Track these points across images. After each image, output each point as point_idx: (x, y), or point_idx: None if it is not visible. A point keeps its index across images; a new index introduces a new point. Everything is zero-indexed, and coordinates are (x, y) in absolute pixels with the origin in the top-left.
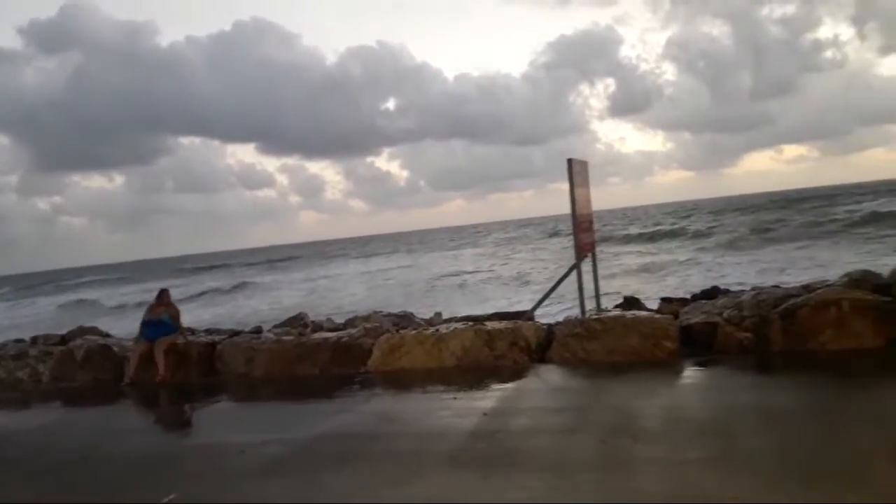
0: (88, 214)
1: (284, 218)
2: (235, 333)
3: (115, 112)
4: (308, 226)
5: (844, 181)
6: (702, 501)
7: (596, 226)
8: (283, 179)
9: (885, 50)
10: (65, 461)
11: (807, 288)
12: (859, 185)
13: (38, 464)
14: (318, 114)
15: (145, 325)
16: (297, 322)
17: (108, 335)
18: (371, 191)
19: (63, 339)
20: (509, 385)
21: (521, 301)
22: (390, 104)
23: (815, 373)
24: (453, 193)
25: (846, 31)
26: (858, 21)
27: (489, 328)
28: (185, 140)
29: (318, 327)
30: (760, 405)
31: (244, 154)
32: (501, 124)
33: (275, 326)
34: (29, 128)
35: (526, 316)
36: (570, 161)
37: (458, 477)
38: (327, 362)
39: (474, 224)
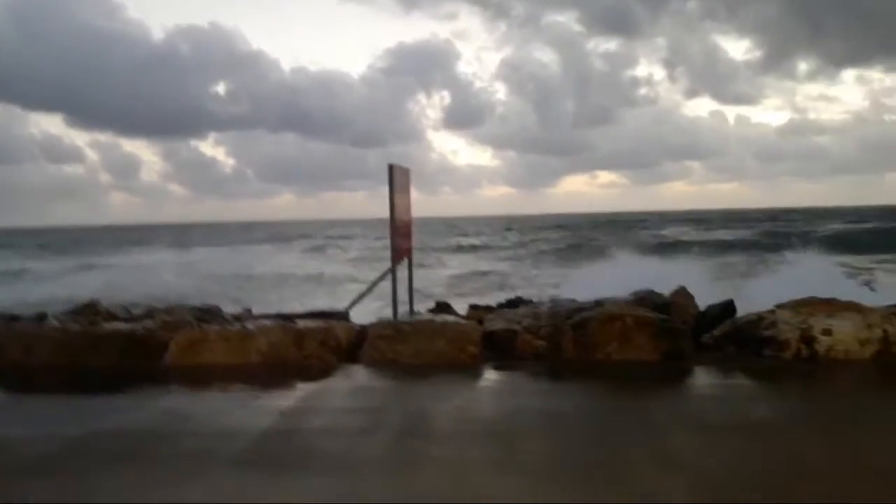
0: None
1: (93, 197)
2: (14, 318)
3: None
4: (119, 208)
5: (650, 208)
6: (471, 501)
7: (419, 233)
8: (93, 155)
9: (690, 93)
10: None
11: (598, 303)
12: (662, 213)
13: None
14: (139, 90)
15: None
16: (89, 310)
17: None
18: (193, 176)
19: None
20: (313, 385)
21: (343, 300)
22: (220, 88)
23: (598, 381)
24: (283, 187)
25: (659, 72)
26: (669, 64)
27: (299, 326)
28: None
29: (111, 317)
30: (545, 409)
31: (49, 124)
32: (337, 122)
33: (62, 313)
34: None
35: (340, 315)
36: (391, 167)
37: (243, 477)
38: (119, 355)
39: (304, 220)
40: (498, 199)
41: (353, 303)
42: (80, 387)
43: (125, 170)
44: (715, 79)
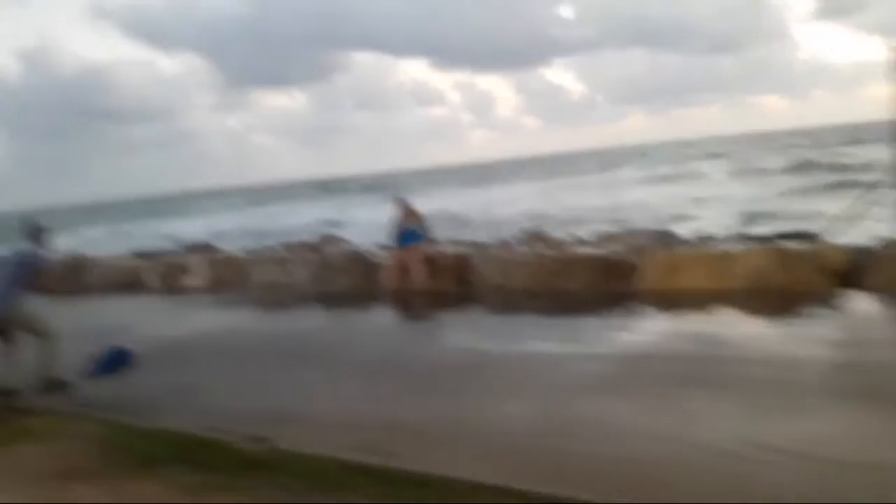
0: (274, 132)
1: (456, 137)
2: (479, 246)
3: (296, 28)
4: (479, 145)
5: None
6: None
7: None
8: (454, 96)
9: None
10: (374, 361)
11: None
12: None
13: (348, 361)
14: (489, 24)
15: (399, 234)
16: (538, 238)
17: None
18: (543, 106)
19: (313, 247)
20: (826, 312)
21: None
22: (565, 10)
23: None
24: (632, 108)
25: None
26: None
27: (784, 249)
28: (359, 55)
29: (562, 244)
30: None
31: (417, 70)
32: (687, 30)
33: (514, 239)
34: (219, 48)
35: (822, 237)
36: None
37: (863, 413)
38: (591, 279)
39: (654, 142)
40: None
41: (845, 221)
42: (563, 308)
43: (482, 107)
44: None
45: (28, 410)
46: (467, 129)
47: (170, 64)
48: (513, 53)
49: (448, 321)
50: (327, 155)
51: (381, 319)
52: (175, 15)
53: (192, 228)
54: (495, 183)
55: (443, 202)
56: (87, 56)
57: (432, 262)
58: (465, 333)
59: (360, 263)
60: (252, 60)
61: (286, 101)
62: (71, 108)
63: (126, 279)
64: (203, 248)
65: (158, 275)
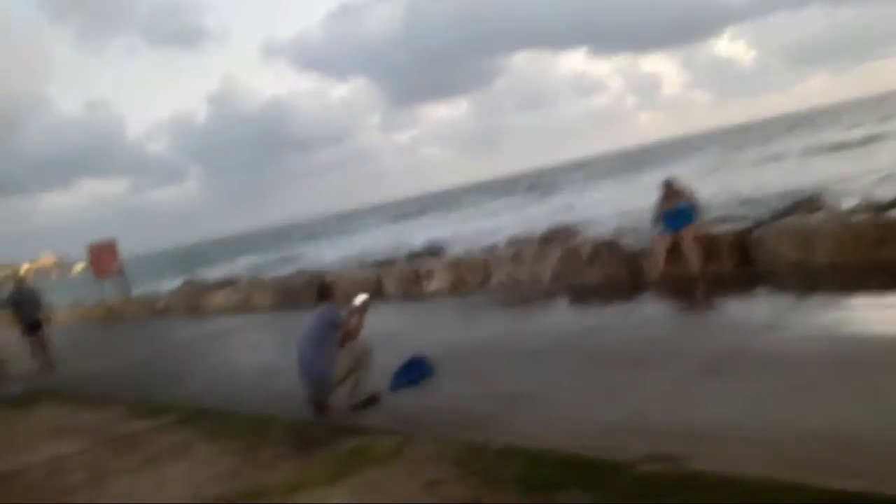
0: (440, 142)
1: (621, 121)
2: (757, 224)
3: (451, 38)
4: (647, 126)
5: None
6: None
7: None
8: (615, 81)
9: None
10: (714, 357)
11: None
12: None
13: (673, 358)
14: (648, 0)
15: (666, 216)
16: (810, 204)
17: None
18: (713, 79)
19: (546, 240)
20: None
21: None
22: None
23: None
24: (812, 69)
25: None
26: None
27: None
28: (517, 56)
29: (873, 206)
30: None
31: (574, 60)
32: None
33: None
34: (381, 68)
35: None
36: None
37: None
38: None
39: (843, 102)
40: None
41: None
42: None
43: (647, 88)
44: None
45: (350, 429)
46: (633, 113)
47: (339, 90)
48: (677, 29)
49: (756, 306)
50: (492, 158)
51: (666, 310)
52: (338, 43)
53: (407, 238)
54: (671, 163)
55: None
56: (266, 91)
57: (707, 243)
58: (801, 316)
59: (615, 252)
60: (414, 76)
61: (449, 111)
62: (257, 141)
63: (368, 289)
64: (433, 253)
65: (397, 281)
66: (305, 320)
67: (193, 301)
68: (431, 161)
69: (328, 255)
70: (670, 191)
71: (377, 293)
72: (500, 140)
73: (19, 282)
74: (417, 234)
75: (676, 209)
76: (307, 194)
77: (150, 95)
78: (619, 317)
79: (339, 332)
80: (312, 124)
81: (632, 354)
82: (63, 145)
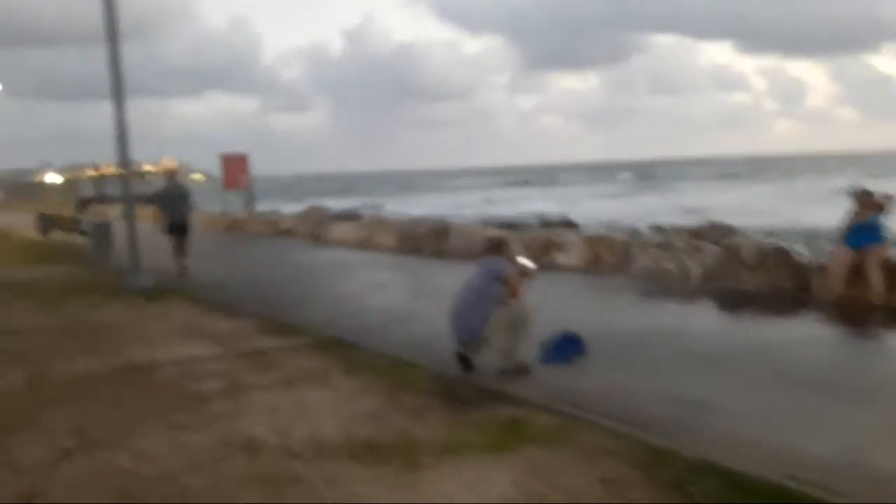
0: (563, 113)
1: (757, 125)
2: None
3: (595, 9)
4: (783, 136)
5: None
6: None
7: None
8: (758, 82)
9: None
10: None
11: None
12: None
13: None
14: (805, 4)
15: (850, 230)
16: None
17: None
18: (865, 97)
19: (696, 234)
20: None
21: None
22: None
23: None
24: None
25: None
26: None
27: None
28: (659, 38)
29: None
30: None
31: (718, 53)
32: None
33: None
34: (518, 29)
35: None
36: None
37: None
38: None
39: None
40: None
41: None
42: None
43: (790, 95)
44: None
45: (502, 395)
46: (770, 119)
47: (473, 45)
48: (832, 37)
49: None
50: (613, 138)
51: (849, 336)
52: None
53: (543, 205)
54: (805, 177)
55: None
56: (401, 36)
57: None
58: None
59: (784, 260)
60: (549, 42)
61: (578, 83)
62: (383, 85)
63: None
64: (567, 225)
65: (524, 247)
66: (470, 269)
67: (316, 228)
68: (550, 131)
69: (436, 208)
70: (867, 201)
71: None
72: (625, 121)
73: (171, 176)
74: (524, 205)
75: (864, 223)
76: (421, 145)
77: (290, 20)
78: (793, 334)
79: (502, 287)
80: (439, 76)
81: (824, 381)
82: (201, 56)
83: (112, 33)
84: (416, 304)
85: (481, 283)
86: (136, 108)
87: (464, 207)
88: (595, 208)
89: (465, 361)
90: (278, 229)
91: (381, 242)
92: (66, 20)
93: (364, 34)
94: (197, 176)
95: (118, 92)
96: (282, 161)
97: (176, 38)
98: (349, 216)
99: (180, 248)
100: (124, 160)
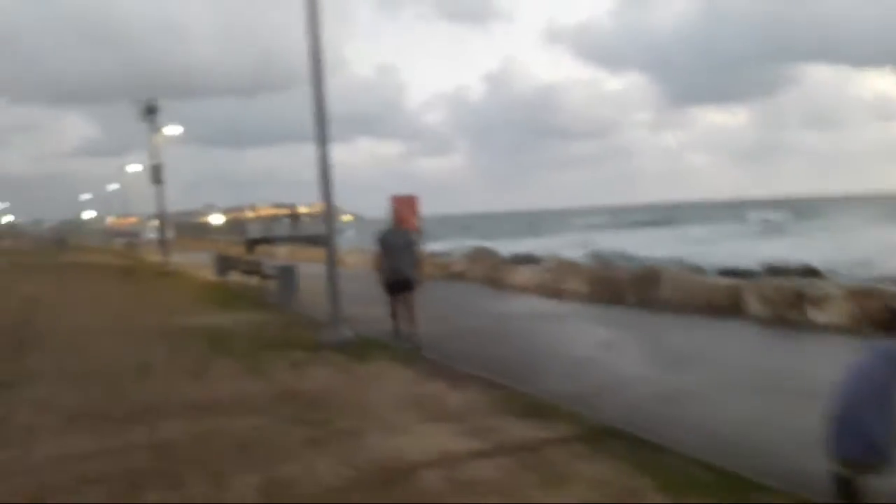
0: (709, 149)
1: None
2: None
3: (743, 42)
4: None
5: None
6: None
7: None
8: None
9: None
10: None
11: None
12: None
13: None
14: None
15: None
16: None
17: None
18: None
19: None
20: None
21: None
22: None
23: None
24: None
25: None
26: None
27: None
28: (812, 68)
29: None
30: None
31: (878, 81)
32: None
33: None
34: (662, 66)
35: None
36: None
37: None
38: None
39: None
40: None
41: None
42: None
43: None
44: None
45: None
46: None
47: (614, 83)
48: None
49: None
50: (764, 174)
51: None
52: (623, 35)
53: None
54: None
55: None
56: (542, 77)
57: None
58: None
59: None
60: (694, 77)
61: (725, 118)
62: (524, 125)
63: (718, 300)
64: (809, 273)
65: (765, 299)
66: (859, 354)
67: (493, 272)
68: (695, 168)
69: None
70: None
71: (733, 308)
72: (777, 156)
73: (398, 222)
74: (689, 247)
75: None
76: (558, 184)
77: (433, 67)
78: None
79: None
80: (579, 114)
81: None
82: (351, 104)
83: (316, 80)
84: (671, 375)
85: (881, 375)
86: (293, 154)
87: (566, 248)
88: (748, 249)
89: (847, 488)
90: (450, 272)
91: (569, 289)
92: (226, 73)
93: (504, 77)
94: (346, 217)
95: (322, 135)
96: (426, 201)
97: (330, 87)
98: (527, 259)
99: (404, 311)
100: (328, 201)
